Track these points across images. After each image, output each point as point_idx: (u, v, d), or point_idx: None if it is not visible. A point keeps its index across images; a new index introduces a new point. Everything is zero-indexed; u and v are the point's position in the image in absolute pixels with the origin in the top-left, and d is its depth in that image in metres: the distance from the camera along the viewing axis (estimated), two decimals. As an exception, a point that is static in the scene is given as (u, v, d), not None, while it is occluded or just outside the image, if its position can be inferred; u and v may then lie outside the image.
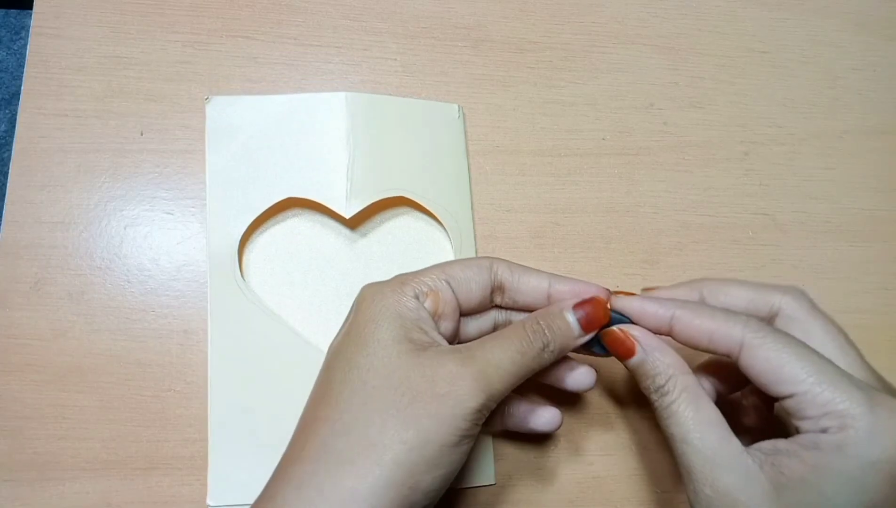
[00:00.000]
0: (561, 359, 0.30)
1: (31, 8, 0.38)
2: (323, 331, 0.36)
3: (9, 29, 1.18)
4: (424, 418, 0.25)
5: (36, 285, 0.34)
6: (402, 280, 0.29)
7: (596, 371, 0.32)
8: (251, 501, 0.32)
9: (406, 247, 0.39)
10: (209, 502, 0.32)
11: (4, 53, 1.17)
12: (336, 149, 0.37)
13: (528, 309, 0.31)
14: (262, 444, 0.33)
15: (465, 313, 0.31)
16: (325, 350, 0.34)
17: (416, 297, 0.28)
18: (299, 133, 0.37)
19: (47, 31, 0.38)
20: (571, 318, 0.29)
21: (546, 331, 0.28)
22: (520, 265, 0.31)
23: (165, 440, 0.33)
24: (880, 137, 0.46)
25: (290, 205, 0.38)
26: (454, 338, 0.31)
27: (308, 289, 0.37)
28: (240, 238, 0.36)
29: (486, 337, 0.28)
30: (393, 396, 0.26)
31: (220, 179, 0.36)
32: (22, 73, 0.38)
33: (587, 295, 0.30)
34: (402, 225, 0.39)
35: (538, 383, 0.32)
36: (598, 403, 0.38)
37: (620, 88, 0.44)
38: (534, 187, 0.41)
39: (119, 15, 0.39)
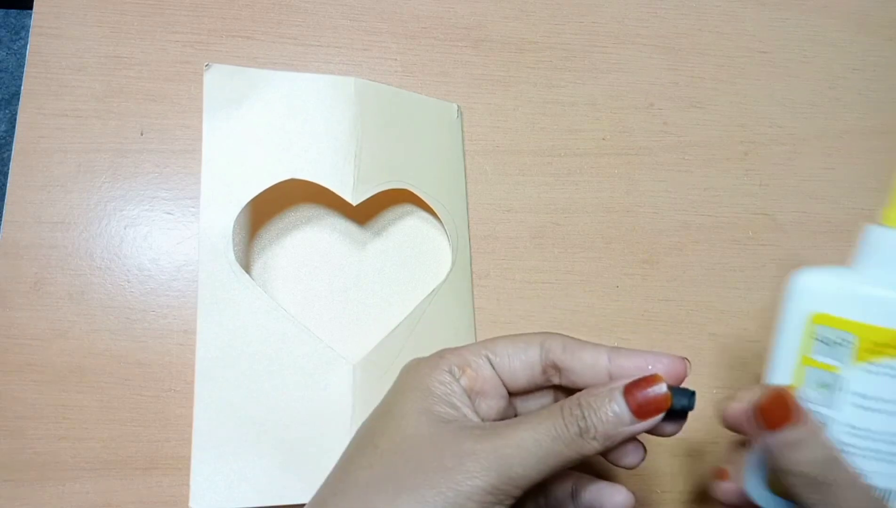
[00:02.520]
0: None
1: (31, 8, 0.38)
2: (315, 326, 0.36)
3: (9, 29, 1.18)
4: (425, 488, 0.23)
5: (36, 285, 0.34)
6: (441, 354, 0.28)
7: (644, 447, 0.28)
8: (236, 503, 0.32)
9: (401, 243, 0.39)
10: (192, 505, 0.31)
11: (4, 53, 1.17)
12: (344, 134, 0.36)
13: None
14: (249, 443, 0.32)
15: (514, 392, 0.28)
16: (320, 342, 0.34)
17: (451, 372, 0.27)
18: (305, 112, 0.36)
19: (47, 31, 0.38)
20: (620, 402, 0.25)
21: (586, 416, 0.25)
22: (576, 340, 0.27)
23: (165, 440, 0.33)
24: (880, 137, 0.46)
25: (290, 189, 0.37)
26: (504, 417, 0.28)
27: (301, 284, 0.37)
28: (236, 216, 0.34)
29: (520, 417, 0.26)
30: (398, 462, 0.24)
31: (216, 152, 0.35)
32: (22, 72, 0.37)
33: (652, 372, 0.26)
34: (398, 221, 0.39)
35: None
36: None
37: (620, 88, 0.44)
38: (534, 187, 0.41)
39: (119, 15, 0.39)
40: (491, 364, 0.27)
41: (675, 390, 0.25)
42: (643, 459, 0.27)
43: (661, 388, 0.25)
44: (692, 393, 0.25)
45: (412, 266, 0.38)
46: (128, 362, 0.34)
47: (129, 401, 0.34)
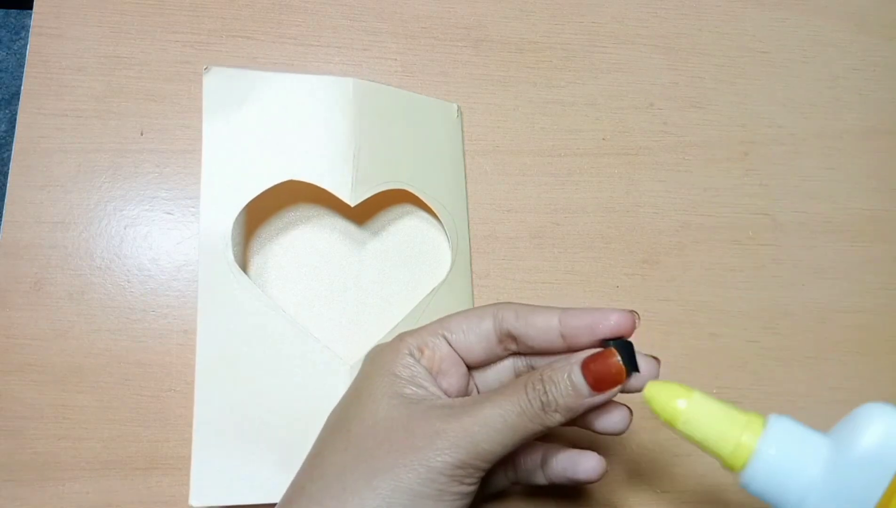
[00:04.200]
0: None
1: (31, 8, 0.38)
2: (314, 327, 0.36)
3: (9, 29, 1.18)
4: (399, 467, 0.25)
5: (36, 285, 0.34)
6: (400, 338, 0.29)
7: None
8: (236, 501, 0.31)
9: (400, 243, 0.38)
10: (192, 502, 0.31)
11: (4, 53, 1.17)
12: (342, 135, 0.36)
13: (546, 354, 0.28)
14: (249, 441, 0.32)
15: (473, 365, 0.29)
16: (319, 343, 0.34)
17: (412, 355, 0.28)
18: (303, 114, 0.36)
19: (47, 31, 0.38)
20: (578, 376, 0.26)
21: (548, 390, 0.26)
22: (527, 306, 0.28)
23: (165, 440, 0.33)
24: (880, 137, 0.46)
25: (290, 189, 0.37)
26: (466, 392, 0.30)
27: (301, 284, 0.37)
28: (235, 217, 0.34)
29: (485, 392, 0.27)
30: (371, 444, 0.26)
31: (216, 154, 0.35)
32: (22, 72, 0.37)
33: (605, 329, 0.26)
34: (397, 221, 0.39)
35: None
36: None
37: (620, 88, 0.44)
38: (534, 187, 0.41)
39: (119, 15, 0.39)
40: (448, 341, 0.28)
41: (630, 347, 0.26)
42: (629, 425, 0.28)
43: (616, 363, 0.26)
44: (629, 346, 0.26)
45: (412, 266, 0.38)
46: (128, 362, 0.34)
47: (129, 401, 0.34)
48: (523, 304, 0.28)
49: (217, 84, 0.36)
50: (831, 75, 0.47)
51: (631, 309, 0.27)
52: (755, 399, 0.39)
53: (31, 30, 0.38)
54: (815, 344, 0.41)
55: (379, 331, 0.36)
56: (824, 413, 0.40)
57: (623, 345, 0.26)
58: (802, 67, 0.46)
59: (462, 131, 0.41)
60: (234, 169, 0.35)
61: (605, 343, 0.27)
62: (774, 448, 0.24)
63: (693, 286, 0.41)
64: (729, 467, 0.25)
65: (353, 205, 0.35)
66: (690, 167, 0.43)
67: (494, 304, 0.29)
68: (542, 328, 0.27)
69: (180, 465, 0.33)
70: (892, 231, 0.44)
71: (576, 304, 0.39)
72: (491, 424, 0.25)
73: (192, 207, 0.37)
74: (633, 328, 0.27)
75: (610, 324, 0.26)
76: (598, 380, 0.26)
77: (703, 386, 0.39)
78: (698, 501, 0.37)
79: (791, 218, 0.43)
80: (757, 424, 0.24)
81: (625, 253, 0.41)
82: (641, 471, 0.37)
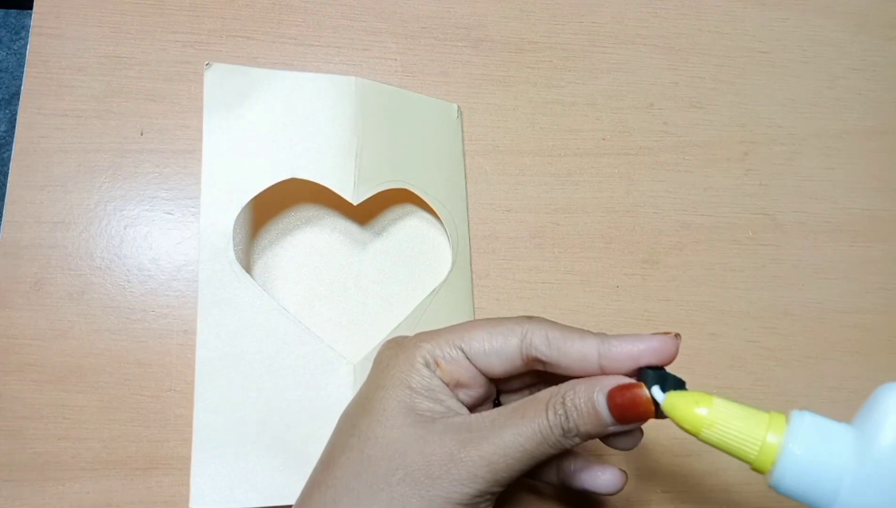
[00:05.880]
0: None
1: (31, 8, 0.38)
2: (314, 327, 0.36)
3: (9, 29, 1.18)
4: (414, 498, 0.24)
5: (36, 285, 0.34)
6: (415, 343, 0.27)
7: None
8: (236, 504, 0.31)
9: (401, 243, 0.38)
10: (192, 506, 0.31)
11: (4, 53, 1.17)
12: (344, 134, 0.36)
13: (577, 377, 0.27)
14: (249, 442, 0.32)
15: (491, 378, 0.28)
16: (320, 342, 0.34)
17: (427, 366, 0.27)
18: (305, 111, 0.36)
19: (47, 31, 0.38)
20: (603, 407, 0.25)
21: (570, 416, 0.25)
22: (559, 329, 0.26)
23: (165, 440, 0.33)
24: (880, 137, 0.46)
25: (291, 189, 0.37)
26: (486, 398, 0.29)
27: (302, 284, 0.37)
28: (236, 215, 0.34)
29: (504, 411, 0.26)
30: (386, 470, 0.25)
31: (217, 151, 0.35)
32: (22, 72, 0.37)
33: (649, 360, 0.25)
34: (397, 221, 0.39)
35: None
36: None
37: (620, 88, 0.44)
38: (534, 187, 0.41)
39: (119, 15, 0.39)
40: (465, 355, 0.27)
41: (667, 377, 0.25)
42: (639, 441, 0.27)
43: (645, 399, 0.24)
44: (682, 382, 0.25)
45: (412, 266, 0.38)
46: (128, 362, 0.34)
47: (129, 401, 0.34)
48: (554, 326, 0.27)
49: (218, 80, 0.36)
50: (831, 75, 0.47)
51: (675, 332, 0.26)
52: (755, 399, 0.39)
53: (31, 30, 0.38)
54: (815, 345, 0.41)
55: (379, 331, 0.36)
56: (824, 413, 0.40)
57: (656, 377, 0.25)
58: (802, 67, 0.46)
59: (462, 131, 0.41)
60: (235, 165, 0.35)
61: (639, 369, 0.26)
62: (800, 444, 0.23)
63: (693, 286, 0.41)
64: (758, 470, 0.24)
65: (356, 203, 0.35)
66: (690, 167, 0.43)
67: (521, 322, 0.27)
68: (577, 359, 0.26)
69: (180, 465, 0.33)
70: (892, 231, 0.44)
71: (576, 304, 0.39)
72: (511, 453, 0.24)
73: (192, 207, 0.37)
74: (676, 352, 0.25)
75: (652, 355, 0.25)
76: (624, 414, 0.25)
77: (702, 387, 0.39)
78: (698, 501, 0.37)
79: (791, 218, 0.43)
80: (780, 422, 0.24)
81: (625, 253, 0.41)
82: (642, 471, 0.37)
